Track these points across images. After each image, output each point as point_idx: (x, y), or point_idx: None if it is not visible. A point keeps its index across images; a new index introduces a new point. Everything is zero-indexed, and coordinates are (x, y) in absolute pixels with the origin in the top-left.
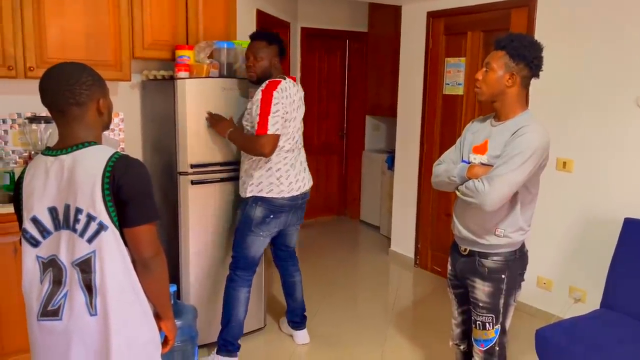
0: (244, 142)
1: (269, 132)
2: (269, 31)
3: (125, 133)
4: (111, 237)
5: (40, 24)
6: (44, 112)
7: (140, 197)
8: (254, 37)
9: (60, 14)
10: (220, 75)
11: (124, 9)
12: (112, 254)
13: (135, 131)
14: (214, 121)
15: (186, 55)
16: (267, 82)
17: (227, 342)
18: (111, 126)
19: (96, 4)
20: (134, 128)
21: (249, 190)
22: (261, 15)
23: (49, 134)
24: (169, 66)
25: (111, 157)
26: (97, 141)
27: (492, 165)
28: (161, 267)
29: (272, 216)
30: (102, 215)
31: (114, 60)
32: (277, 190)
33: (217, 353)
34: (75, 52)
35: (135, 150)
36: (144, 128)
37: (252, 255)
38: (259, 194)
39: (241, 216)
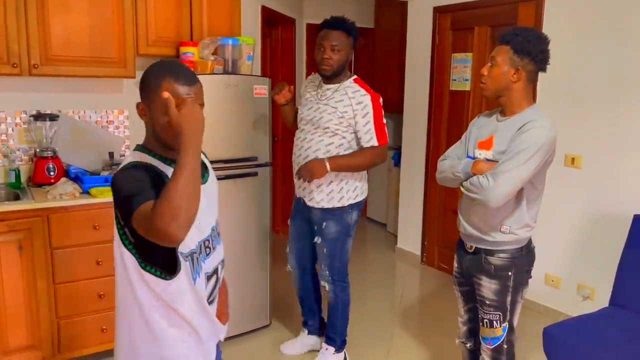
0: (362, 159)
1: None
2: (346, 19)
3: (130, 130)
4: (116, 249)
5: (44, 21)
6: (49, 109)
7: (118, 203)
8: (332, 25)
9: (64, 11)
10: (225, 72)
11: (127, 6)
12: (117, 268)
13: (140, 128)
14: (310, 172)
15: (190, 51)
16: (352, 79)
17: (345, 340)
18: (116, 123)
19: (101, 1)
20: (139, 125)
21: (347, 198)
22: (266, 11)
23: (54, 131)
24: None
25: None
26: (145, 146)
27: (498, 161)
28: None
29: (359, 214)
30: (115, 226)
31: (118, 57)
32: (365, 191)
33: (338, 351)
34: (79, 49)
35: None
36: None
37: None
38: (356, 200)
39: (338, 227)
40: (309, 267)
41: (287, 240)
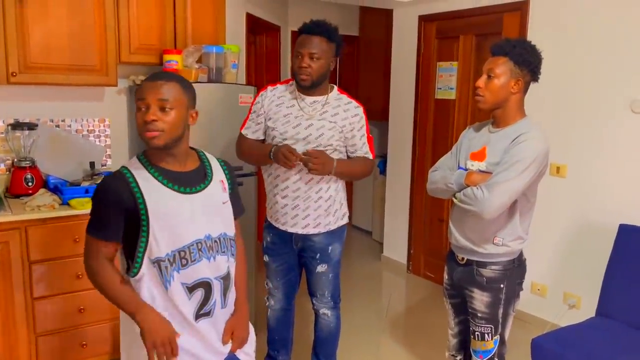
0: (361, 168)
1: None
2: (326, 22)
3: (111, 139)
4: None
5: (23, 28)
6: (27, 118)
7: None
8: (310, 30)
9: (44, 17)
10: (209, 80)
11: (109, 13)
12: None
13: (122, 137)
14: (321, 164)
15: (174, 60)
16: (337, 90)
17: None
18: (97, 132)
19: (81, 7)
20: (121, 134)
21: (342, 215)
22: (251, 19)
23: (33, 141)
24: (156, 71)
25: None
26: (145, 153)
27: (491, 173)
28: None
29: None
30: None
31: (100, 65)
32: None
33: None
34: (60, 57)
35: (122, 157)
36: (131, 134)
37: None
38: (347, 212)
39: (341, 246)
40: (292, 302)
41: (268, 276)
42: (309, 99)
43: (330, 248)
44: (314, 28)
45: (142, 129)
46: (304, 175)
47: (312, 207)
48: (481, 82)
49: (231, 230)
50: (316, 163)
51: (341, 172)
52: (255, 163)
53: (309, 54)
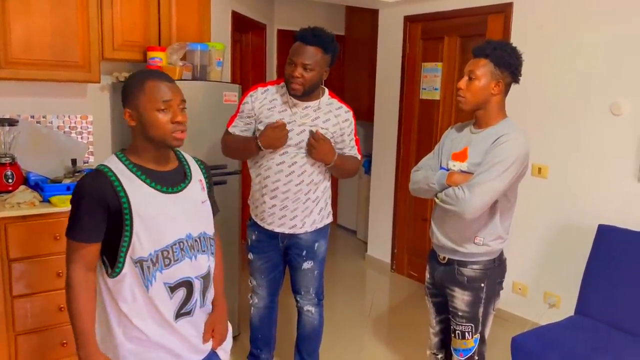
0: (352, 165)
1: None
2: (324, 33)
3: (94, 136)
4: None
5: (4, 23)
6: (8, 114)
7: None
8: (306, 39)
9: (26, 13)
10: (194, 78)
11: (92, 9)
12: None
13: (105, 134)
14: (323, 151)
15: (158, 57)
16: (328, 94)
17: None
18: (79, 129)
19: (64, 3)
20: (104, 131)
21: (327, 214)
22: (236, 17)
23: (13, 137)
24: (140, 68)
25: None
26: (124, 151)
27: (472, 173)
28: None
29: None
30: None
31: (83, 61)
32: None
33: None
34: (42, 53)
35: (104, 154)
36: (114, 131)
37: None
38: (332, 213)
39: (326, 244)
40: (276, 299)
41: (252, 274)
42: (301, 105)
43: (316, 245)
44: (310, 38)
45: None
46: (295, 177)
47: (300, 209)
48: (462, 83)
49: (210, 229)
50: (320, 143)
51: (337, 165)
52: (240, 156)
53: (303, 64)
